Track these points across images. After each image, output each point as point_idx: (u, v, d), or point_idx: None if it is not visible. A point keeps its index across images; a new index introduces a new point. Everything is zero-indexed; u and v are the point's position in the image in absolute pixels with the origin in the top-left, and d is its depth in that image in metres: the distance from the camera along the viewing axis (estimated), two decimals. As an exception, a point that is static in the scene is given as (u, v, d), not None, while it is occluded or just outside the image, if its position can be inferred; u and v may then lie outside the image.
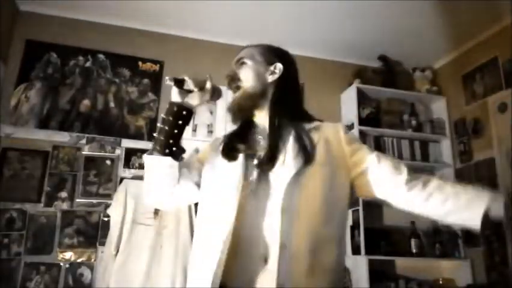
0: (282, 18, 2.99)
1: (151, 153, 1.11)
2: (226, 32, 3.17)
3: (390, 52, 3.37)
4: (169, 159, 1.09)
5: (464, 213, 1.02)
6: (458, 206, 1.03)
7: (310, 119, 1.21)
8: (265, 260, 0.98)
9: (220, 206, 1.05)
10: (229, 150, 1.14)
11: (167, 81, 1.11)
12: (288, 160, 1.06)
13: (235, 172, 1.07)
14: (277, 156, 1.07)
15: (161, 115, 1.12)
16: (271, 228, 1.00)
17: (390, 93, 3.37)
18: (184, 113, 1.11)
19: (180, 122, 1.10)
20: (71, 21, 3.00)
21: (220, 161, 1.13)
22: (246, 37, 3.28)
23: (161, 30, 3.17)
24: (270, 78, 1.19)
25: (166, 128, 1.09)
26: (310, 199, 1.04)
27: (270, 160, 1.07)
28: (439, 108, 3.45)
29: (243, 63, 1.21)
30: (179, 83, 1.12)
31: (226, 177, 1.08)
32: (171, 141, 1.09)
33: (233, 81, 1.20)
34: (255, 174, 1.08)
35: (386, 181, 1.11)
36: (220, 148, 1.17)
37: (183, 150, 1.14)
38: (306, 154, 1.06)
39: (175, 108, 1.10)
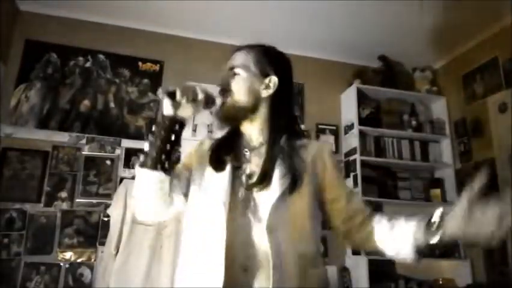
0: (282, 18, 2.99)
1: (142, 167, 1.04)
2: (226, 32, 3.16)
3: (390, 52, 3.37)
4: (159, 174, 1.03)
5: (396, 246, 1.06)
6: (393, 242, 1.06)
7: (300, 135, 1.21)
8: (255, 278, 0.98)
9: (208, 223, 1.03)
10: (216, 162, 1.10)
11: (160, 93, 1.06)
12: (275, 180, 1.05)
13: (222, 187, 1.05)
14: (270, 179, 1.05)
15: (153, 128, 1.06)
16: (260, 248, 0.99)
17: (390, 93, 3.37)
18: (177, 127, 1.05)
19: (173, 136, 1.04)
20: (71, 21, 3.00)
21: (207, 171, 1.11)
22: (246, 37, 3.26)
23: (161, 30, 3.17)
24: (264, 93, 1.14)
25: (158, 143, 1.02)
26: (299, 218, 1.04)
27: (261, 183, 1.05)
28: (439, 108, 3.45)
29: (236, 73, 1.14)
30: (171, 95, 1.05)
31: (213, 191, 1.06)
32: (163, 156, 1.03)
33: (225, 92, 1.12)
34: (242, 190, 1.07)
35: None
36: (207, 157, 1.13)
37: (177, 161, 1.10)
38: (295, 177, 1.06)
39: (167, 122, 1.03)
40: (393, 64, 3.43)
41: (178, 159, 1.11)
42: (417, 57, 3.45)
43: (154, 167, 1.02)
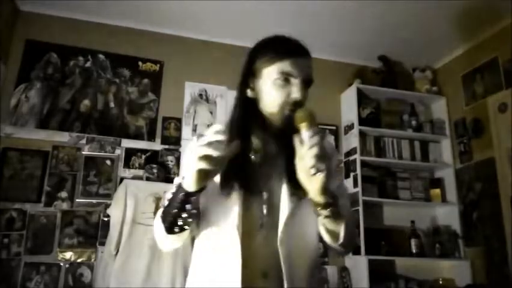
0: (282, 19, 2.99)
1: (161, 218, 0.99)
2: (226, 32, 3.17)
3: (390, 52, 3.37)
4: (171, 235, 0.99)
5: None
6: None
7: None
8: (274, 283, 0.98)
9: (223, 247, 1.00)
10: (227, 188, 1.00)
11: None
12: (284, 198, 1.03)
13: (234, 209, 1.00)
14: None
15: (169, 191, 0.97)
16: (276, 257, 0.99)
17: (390, 93, 3.37)
18: (193, 198, 0.92)
19: (189, 206, 0.92)
20: (71, 21, 3.00)
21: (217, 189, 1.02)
22: (246, 37, 3.29)
23: (161, 30, 3.17)
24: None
25: (173, 210, 0.93)
26: (308, 227, 1.04)
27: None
28: (439, 108, 3.45)
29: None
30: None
31: (225, 212, 1.00)
32: (180, 222, 0.95)
33: (299, 108, 1.01)
34: (264, 208, 1.02)
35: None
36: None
37: (198, 214, 0.98)
38: (300, 192, 1.00)
39: (181, 197, 0.91)
40: (393, 64, 3.44)
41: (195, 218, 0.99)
42: (417, 57, 3.45)
43: (167, 230, 0.97)
